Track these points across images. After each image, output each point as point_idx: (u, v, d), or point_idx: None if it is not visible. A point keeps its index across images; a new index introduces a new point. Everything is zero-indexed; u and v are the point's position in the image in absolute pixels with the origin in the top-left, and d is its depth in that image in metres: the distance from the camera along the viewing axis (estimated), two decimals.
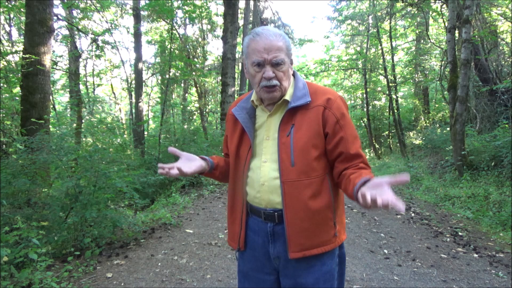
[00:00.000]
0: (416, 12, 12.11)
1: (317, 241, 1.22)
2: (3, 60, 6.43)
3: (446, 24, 8.43)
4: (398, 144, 13.43)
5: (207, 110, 16.33)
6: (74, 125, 8.96)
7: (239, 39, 13.81)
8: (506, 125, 6.99)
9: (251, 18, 13.77)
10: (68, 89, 12.07)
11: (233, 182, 1.37)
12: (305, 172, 1.20)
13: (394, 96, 13.47)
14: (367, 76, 15.49)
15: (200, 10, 12.76)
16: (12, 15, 8.83)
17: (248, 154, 1.30)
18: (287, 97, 1.27)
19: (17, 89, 6.14)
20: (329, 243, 1.24)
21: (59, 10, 12.04)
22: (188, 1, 10.49)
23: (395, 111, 13.19)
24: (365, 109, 16.08)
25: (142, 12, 11.87)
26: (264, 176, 1.25)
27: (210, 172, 1.40)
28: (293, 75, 1.34)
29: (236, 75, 11.71)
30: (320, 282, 1.24)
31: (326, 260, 1.26)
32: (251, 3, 13.63)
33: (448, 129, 8.90)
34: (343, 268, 1.35)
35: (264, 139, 1.29)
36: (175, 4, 10.22)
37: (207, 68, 15.54)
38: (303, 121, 1.23)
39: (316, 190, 1.21)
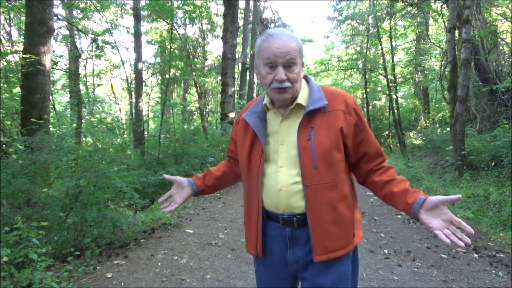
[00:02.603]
0: (416, 12, 12.11)
1: (341, 243, 1.23)
2: (3, 60, 6.43)
3: (446, 24, 8.43)
4: (398, 144, 13.43)
5: (207, 110, 16.34)
6: (74, 125, 8.96)
7: (239, 39, 13.82)
8: (506, 125, 7.00)
9: (251, 18, 13.78)
10: (68, 89, 12.08)
11: (247, 188, 1.35)
12: (328, 175, 1.19)
13: (394, 96, 13.47)
14: (367, 76, 15.49)
15: (200, 10, 12.77)
16: (12, 15, 8.83)
17: (261, 159, 1.27)
18: (301, 101, 1.25)
19: (17, 89, 6.14)
20: (349, 244, 1.25)
21: (59, 10, 12.06)
22: (188, 1, 10.49)
23: (395, 111, 13.19)
24: (365, 109, 16.08)
25: (142, 12, 11.88)
26: (282, 181, 1.24)
27: (198, 195, 1.52)
28: (306, 79, 1.33)
29: (236, 75, 11.71)
30: (337, 283, 1.25)
31: (343, 261, 1.26)
32: (251, 3, 13.64)
33: (448, 129, 8.91)
34: (356, 268, 1.35)
35: (279, 144, 1.26)
36: (175, 4, 10.22)
37: (207, 68, 15.55)
38: (322, 124, 1.21)
39: (339, 193, 1.22)
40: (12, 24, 9.42)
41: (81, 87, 12.34)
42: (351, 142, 1.24)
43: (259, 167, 1.27)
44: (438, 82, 11.82)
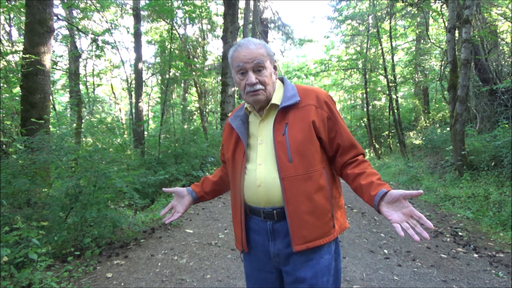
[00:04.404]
0: (416, 12, 12.11)
1: (319, 233, 1.26)
2: (3, 60, 6.43)
3: (446, 24, 8.43)
4: (398, 144, 13.42)
5: (207, 110, 16.32)
6: (74, 125, 8.95)
7: (239, 39, 13.80)
8: (506, 125, 6.99)
9: (251, 18, 13.77)
10: (68, 89, 12.07)
11: (232, 187, 1.42)
12: (303, 167, 1.25)
13: (394, 96, 13.46)
14: (367, 76, 15.47)
15: (200, 10, 12.75)
16: (12, 15, 8.82)
17: (243, 159, 1.35)
18: (276, 101, 1.33)
19: (17, 89, 6.14)
20: (328, 234, 1.28)
21: (59, 10, 12.05)
22: (188, 1, 10.49)
23: (395, 111, 13.19)
24: (365, 109, 16.07)
25: (142, 12, 11.86)
26: (260, 178, 1.30)
27: (198, 201, 1.56)
28: (282, 81, 1.42)
29: None
30: (319, 275, 1.27)
31: (324, 254, 1.29)
32: (251, 3, 13.63)
33: (448, 129, 8.90)
34: (339, 265, 1.38)
35: (258, 144, 1.34)
36: (175, 4, 10.22)
37: (207, 68, 15.53)
38: (296, 119, 1.28)
39: (314, 184, 1.26)
40: (12, 24, 9.42)
41: (81, 87, 12.32)
42: (325, 135, 1.30)
43: (242, 166, 1.35)
44: (438, 82, 11.81)
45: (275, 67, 1.37)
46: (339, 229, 1.33)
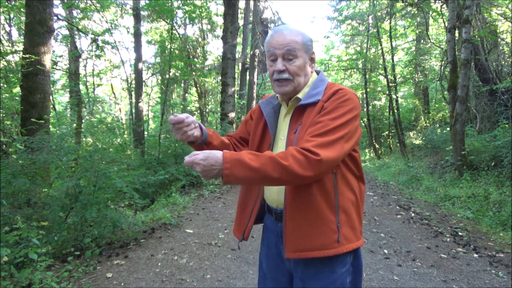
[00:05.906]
0: (416, 12, 12.11)
1: (315, 244, 1.13)
2: (3, 60, 6.43)
3: (446, 24, 8.43)
4: (398, 144, 13.42)
5: (207, 110, 16.33)
6: (74, 125, 8.95)
7: (239, 39, 13.81)
8: (506, 125, 6.99)
9: (251, 18, 13.78)
10: (68, 89, 12.09)
11: None
12: None
13: (394, 96, 13.47)
14: (367, 76, 15.48)
15: (200, 10, 12.75)
16: (12, 15, 8.82)
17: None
18: (301, 95, 1.23)
19: (17, 89, 6.14)
20: (329, 247, 1.13)
21: (59, 10, 12.06)
22: (188, 1, 10.49)
23: (395, 111, 13.19)
24: (365, 109, 16.09)
25: (142, 12, 11.87)
26: None
27: (199, 146, 1.29)
28: (318, 74, 1.31)
29: (236, 75, 11.70)
30: None
31: (335, 268, 1.18)
32: (251, 3, 13.63)
33: (448, 129, 8.90)
34: (358, 278, 1.25)
35: (280, 139, 1.27)
36: (175, 4, 10.21)
37: (207, 68, 15.54)
38: (308, 118, 1.18)
39: (316, 189, 1.13)
40: (12, 24, 9.42)
41: (81, 87, 12.34)
42: None
43: None
44: (438, 82, 11.81)
45: (312, 59, 1.26)
46: (349, 244, 1.16)
